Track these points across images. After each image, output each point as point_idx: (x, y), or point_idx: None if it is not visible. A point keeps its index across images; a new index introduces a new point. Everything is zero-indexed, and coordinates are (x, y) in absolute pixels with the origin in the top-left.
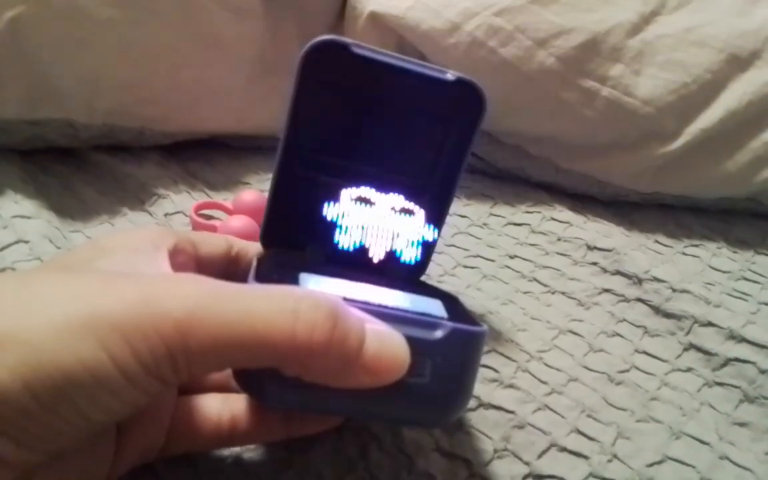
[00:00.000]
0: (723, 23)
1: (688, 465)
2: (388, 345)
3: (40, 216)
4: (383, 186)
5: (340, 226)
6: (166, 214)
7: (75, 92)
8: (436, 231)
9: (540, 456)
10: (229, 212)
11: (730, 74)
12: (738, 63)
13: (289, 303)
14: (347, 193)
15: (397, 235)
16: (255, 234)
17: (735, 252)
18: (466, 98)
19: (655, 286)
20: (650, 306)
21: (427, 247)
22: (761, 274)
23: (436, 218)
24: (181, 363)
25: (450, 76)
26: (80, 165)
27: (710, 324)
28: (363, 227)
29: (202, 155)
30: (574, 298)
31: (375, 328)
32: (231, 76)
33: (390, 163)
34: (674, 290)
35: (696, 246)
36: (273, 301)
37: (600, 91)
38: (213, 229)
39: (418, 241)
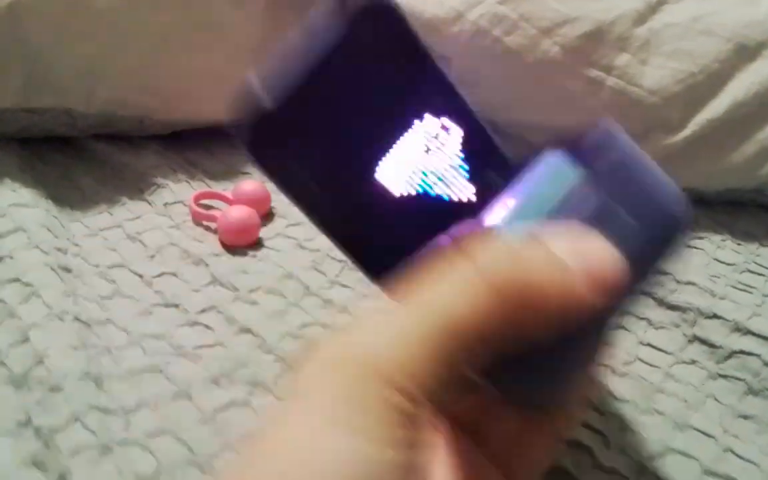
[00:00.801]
0: (731, 12)
1: (692, 457)
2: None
3: (38, 205)
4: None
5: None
6: (165, 204)
7: (73, 81)
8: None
9: None
10: (229, 202)
11: (737, 64)
12: (746, 53)
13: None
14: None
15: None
16: (255, 225)
17: (739, 244)
18: None
19: (660, 278)
20: (654, 298)
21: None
22: (766, 266)
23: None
24: None
25: None
26: (79, 154)
27: (715, 316)
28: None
29: (201, 144)
30: None
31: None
32: (231, 64)
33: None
34: (679, 282)
35: (701, 238)
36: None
37: (605, 80)
38: (213, 219)
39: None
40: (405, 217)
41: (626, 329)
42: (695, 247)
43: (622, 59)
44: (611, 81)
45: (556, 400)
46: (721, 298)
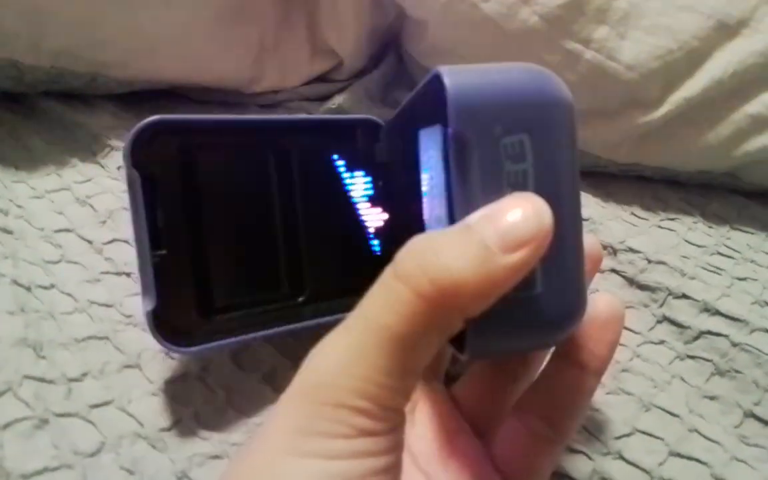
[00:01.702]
0: None
1: (657, 437)
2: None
3: None
4: None
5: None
6: (119, 167)
7: (18, 29)
8: None
9: None
10: None
11: (717, 42)
12: (725, 30)
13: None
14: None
15: None
16: None
17: (711, 226)
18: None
19: (630, 257)
20: (625, 277)
21: None
22: (736, 249)
23: None
24: None
25: None
26: (27, 112)
27: (684, 296)
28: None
29: (160, 107)
30: None
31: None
32: (193, 22)
33: None
34: (650, 261)
35: (672, 219)
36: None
37: (583, 53)
38: None
39: None
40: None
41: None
42: (667, 229)
43: (601, 32)
44: (589, 54)
45: (528, 345)
46: (691, 278)
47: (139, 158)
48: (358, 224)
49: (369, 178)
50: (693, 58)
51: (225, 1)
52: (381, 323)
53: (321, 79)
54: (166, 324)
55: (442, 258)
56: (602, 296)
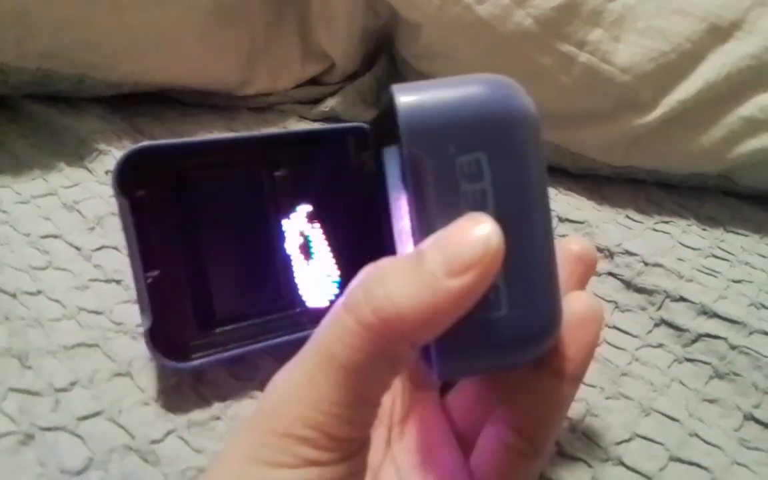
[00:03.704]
0: None
1: (657, 442)
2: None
3: None
4: None
5: None
6: (107, 172)
7: (3, 29)
8: None
9: None
10: None
11: (710, 45)
12: (718, 33)
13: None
14: None
15: None
16: None
17: (705, 229)
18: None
19: (627, 260)
20: (622, 280)
21: None
22: (730, 252)
23: None
24: None
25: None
26: (13, 115)
27: (682, 299)
28: None
29: (150, 110)
30: None
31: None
32: (183, 24)
33: None
34: (646, 264)
35: (666, 222)
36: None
37: (578, 56)
38: None
39: None
40: None
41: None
42: (662, 231)
43: (595, 35)
44: (584, 57)
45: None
46: (688, 281)
47: (128, 183)
48: (357, 235)
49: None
50: (686, 60)
51: (215, 3)
52: (330, 354)
53: (313, 82)
54: (164, 340)
55: (388, 287)
56: (576, 295)
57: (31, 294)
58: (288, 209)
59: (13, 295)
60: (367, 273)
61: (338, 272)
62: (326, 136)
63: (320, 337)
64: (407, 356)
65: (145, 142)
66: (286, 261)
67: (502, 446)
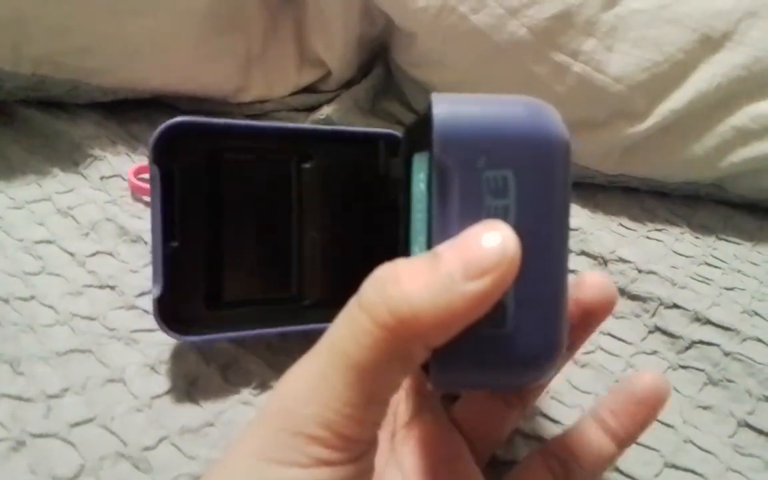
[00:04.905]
0: (698, 1)
1: (652, 449)
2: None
3: None
4: None
5: None
6: (102, 178)
7: None
8: None
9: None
10: None
11: (701, 55)
12: (710, 43)
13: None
14: None
15: None
16: None
17: (697, 237)
18: None
19: (621, 267)
20: (615, 287)
21: None
22: (722, 259)
23: None
24: None
25: None
26: (7, 120)
27: (675, 306)
28: None
29: (145, 116)
30: None
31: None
32: (178, 30)
33: None
34: (640, 271)
35: (659, 230)
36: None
37: (572, 66)
38: None
39: None
40: None
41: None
42: (655, 239)
43: (589, 44)
44: (578, 67)
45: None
46: (681, 288)
47: (162, 155)
48: (375, 237)
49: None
50: (679, 70)
51: (212, 10)
52: (343, 352)
53: (309, 89)
54: (171, 313)
55: (403, 287)
56: (647, 374)
57: (24, 299)
58: (311, 202)
59: (6, 301)
60: (381, 272)
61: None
62: (359, 138)
63: (334, 335)
64: (420, 357)
65: (185, 117)
66: (301, 252)
67: (547, 470)
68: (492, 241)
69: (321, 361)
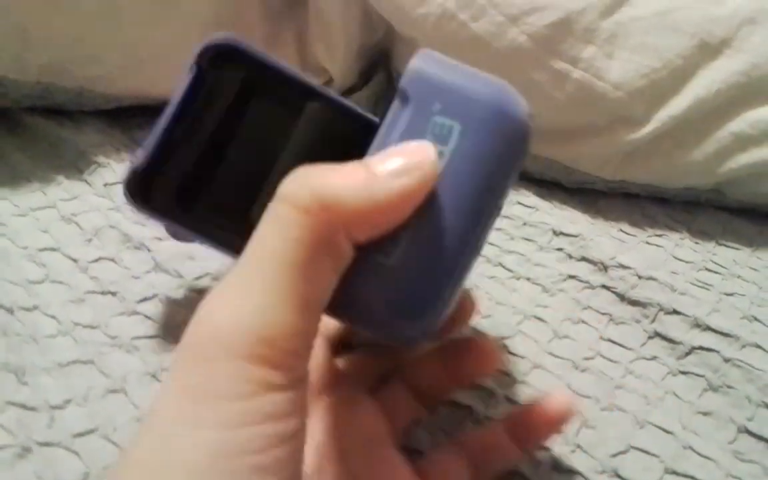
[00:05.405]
0: (697, 7)
1: (652, 455)
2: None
3: None
4: None
5: None
6: (105, 185)
7: (4, 43)
8: None
9: None
10: None
11: (700, 61)
12: (709, 50)
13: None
14: None
15: None
16: None
17: (697, 243)
18: None
19: (621, 273)
20: (615, 293)
21: None
22: (722, 265)
23: None
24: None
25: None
26: (12, 127)
27: (675, 312)
28: None
29: (149, 123)
30: (539, 284)
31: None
32: (182, 38)
33: None
34: (640, 277)
35: (659, 236)
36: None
37: (571, 73)
38: None
39: None
40: None
41: (587, 324)
42: (655, 245)
43: (588, 51)
44: (577, 74)
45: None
46: (681, 294)
47: (203, 59)
48: None
49: None
50: (678, 76)
51: (214, 17)
52: (271, 254)
53: None
54: (141, 190)
55: (327, 177)
56: (558, 395)
57: (27, 310)
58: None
59: (10, 311)
60: (303, 168)
61: None
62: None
63: (257, 239)
64: (346, 253)
65: (237, 40)
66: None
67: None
68: (416, 149)
69: (248, 270)
